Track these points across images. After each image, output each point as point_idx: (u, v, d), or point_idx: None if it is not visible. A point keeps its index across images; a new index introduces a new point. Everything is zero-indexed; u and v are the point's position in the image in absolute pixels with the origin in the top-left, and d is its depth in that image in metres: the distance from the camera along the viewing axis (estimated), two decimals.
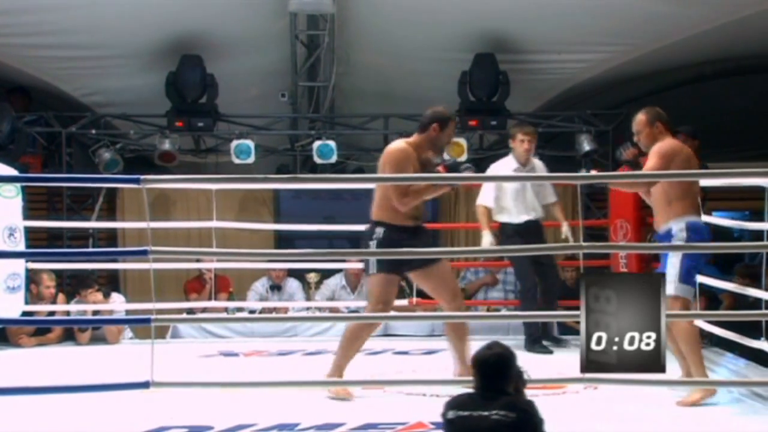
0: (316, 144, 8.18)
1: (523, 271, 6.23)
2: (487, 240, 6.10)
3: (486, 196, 6.34)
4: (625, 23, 7.45)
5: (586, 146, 8.13)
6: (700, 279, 5.59)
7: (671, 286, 4.60)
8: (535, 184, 6.30)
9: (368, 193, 8.33)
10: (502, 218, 6.35)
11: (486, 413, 3.35)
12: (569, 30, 7.66)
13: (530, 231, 6.25)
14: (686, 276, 4.72)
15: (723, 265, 7.12)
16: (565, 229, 6.33)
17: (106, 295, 6.83)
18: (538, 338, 6.27)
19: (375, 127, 8.60)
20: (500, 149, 8.57)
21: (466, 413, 3.38)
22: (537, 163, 6.44)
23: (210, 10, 7.40)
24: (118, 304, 6.87)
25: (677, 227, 4.74)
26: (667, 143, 4.82)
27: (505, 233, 6.33)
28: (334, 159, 8.21)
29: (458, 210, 9.05)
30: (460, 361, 5.06)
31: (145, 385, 4.11)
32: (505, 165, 6.35)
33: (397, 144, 5.07)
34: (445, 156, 5.57)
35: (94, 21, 7.34)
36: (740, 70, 8.72)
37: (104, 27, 7.43)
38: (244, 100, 8.55)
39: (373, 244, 4.94)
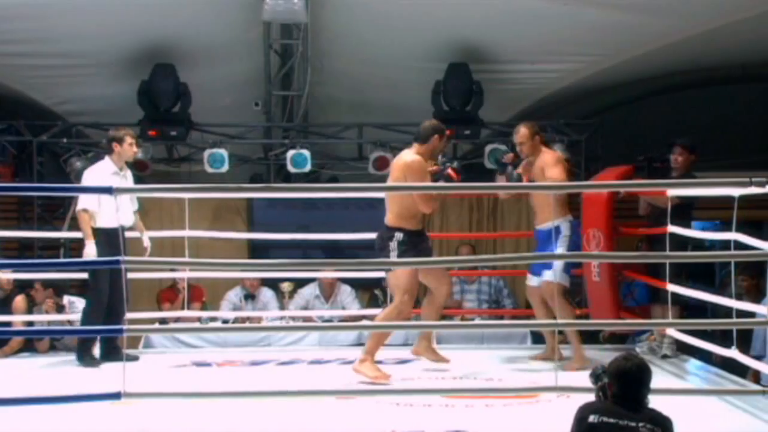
0: (290, 153, 8.17)
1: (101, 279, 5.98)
2: (91, 249, 5.86)
3: (90, 200, 6.00)
4: (597, 33, 7.52)
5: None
6: (673, 288, 5.65)
7: (557, 274, 5.65)
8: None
9: (343, 202, 8.32)
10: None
11: (633, 424, 3.49)
12: (542, 40, 7.71)
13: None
14: (567, 266, 5.81)
15: (697, 276, 7.20)
16: (145, 238, 6.25)
17: (61, 309, 6.75)
18: (90, 348, 6.07)
19: (349, 137, 8.60)
20: (474, 158, 8.62)
21: (612, 420, 3.51)
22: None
23: (183, 18, 7.39)
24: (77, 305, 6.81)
25: (565, 225, 5.70)
26: (555, 154, 5.83)
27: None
28: (308, 168, 8.20)
29: (432, 218, 9.06)
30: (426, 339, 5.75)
31: (116, 396, 4.08)
32: (102, 169, 6.10)
33: (412, 155, 5.56)
34: (439, 158, 5.75)
35: (66, 29, 7.30)
36: (709, 81, 8.83)
37: (76, 35, 7.39)
38: (218, 109, 8.52)
39: (393, 245, 5.45)
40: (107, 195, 5.67)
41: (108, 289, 6.00)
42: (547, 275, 5.76)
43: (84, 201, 6.02)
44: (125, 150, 6.19)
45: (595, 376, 3.78)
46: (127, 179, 6.26)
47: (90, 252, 5.91)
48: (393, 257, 5.44)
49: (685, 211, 5.97)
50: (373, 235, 6.84)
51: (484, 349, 6.59)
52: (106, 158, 6.22)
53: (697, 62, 8.44)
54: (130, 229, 6.26)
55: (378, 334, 5.54)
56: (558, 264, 5.69)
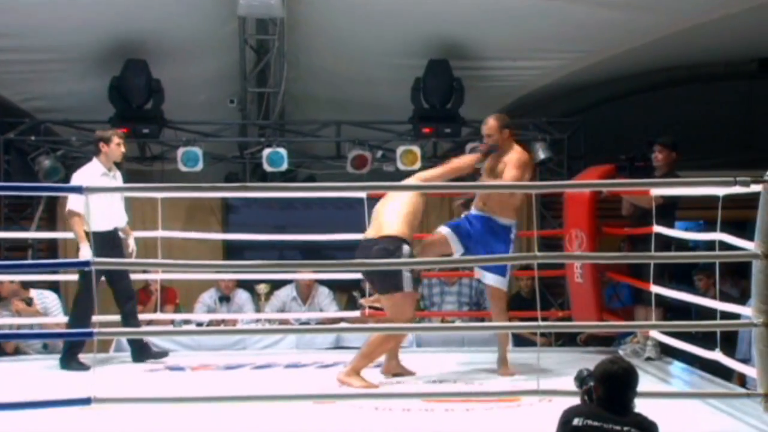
0: (266, 151, 8.15)
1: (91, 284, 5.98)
2: (87, 252, 5.84)
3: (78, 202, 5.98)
4: (580, 30, 7.55)
5: (541, 154, 8.21)
6: (657, 290, 5.69)
7: (502, 280, 5.69)
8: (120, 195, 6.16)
9: (320, 202, 8.32)
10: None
11: (618, 428, 3.51)
12: (524, 37, 7.73)
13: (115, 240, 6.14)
14: (508, 270, 5.80)
15: (680, 277, 7.26)
16: (130, 242, 6.26)
17: (29, 302, 6.73)
18: (77, 353, 6.10)
19: (327, 135, 8.60)
20: (454, 156, 8.60)
21: (596, 424, 3.53)
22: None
23: (156, 13, 7.35)
24: (51, 302, 6.76)
25: (515, 228, 5.78)
26: (523, 156, 5.73)
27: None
28: (284, 167, 8.19)
29: None
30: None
31: (86, 401, 4.05)
32: (90, 171, 6.10)
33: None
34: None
35: (35, 23, 7.24)
36: (693, 79, 8.89)
37: (45, 30, 7.33)
38: (192, 106, 8.49)
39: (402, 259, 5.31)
40: (96, 197, 5.73)
41: (93, 292, 5.98)
42: (491, 279, 5.70)
43: (71, 203, 6.01)
44: (113, 150, 6.18)
45: (580, 380, 3.80)
46: (116, 180, 6.25)
47: (86, 255, 5.87)
48: (405, 276, 5.31)
49: (669, 211, 6.01)
50: (351, 236, 6.87)
51: (465, 352, 6.60)
52: (94, 160, 6.20)
53: (681, 59, 8.50)
54: (122, 230, 6.27)
55: (369, 354, 5.46)
56: (506, 268, 5.70)
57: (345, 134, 8.47)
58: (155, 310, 7.14)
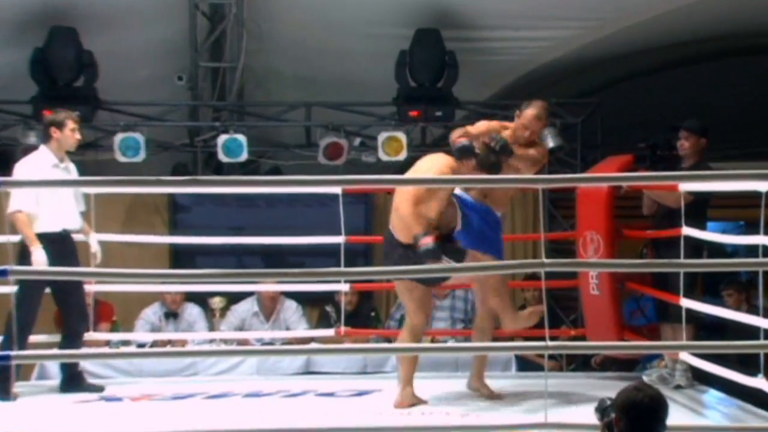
0: (222, 138, 8.10)
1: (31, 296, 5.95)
2: (41, 256, 5.84)
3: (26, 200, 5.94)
4: None
5: (551, 142, 8.17)
6: (687, 304, 5.67)
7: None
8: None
9: (287, 199, 8.27)
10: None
11: None
12: (528, 2, 7.72)
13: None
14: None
15: (715, 288, 7.26)
16: (92, 241, 6.28)
17: None
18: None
19: (294, 119, 8.55)
20: (447, 145, 8.58)
21: None
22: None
23: None
24: None
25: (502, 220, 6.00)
26: (540, 153, 5.92)
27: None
28: (244, 157, 8.14)
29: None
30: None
31: None
32: (38, 162, 6.07)
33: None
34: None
35: None
36: (732, 52, 8.89)
37: None
38: (131, 84, 8.43)
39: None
40: (43, 193, 5.72)
41: (37, 308, 5.99)
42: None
43: (18, 201, 5.93)
44: (66, 137, 6.13)
45: (602, 411, 3.77)
46: (70, 173, 6.20)
47: (40, 260, 5.84)
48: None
49: (699, 209, 6.00)
50: (324, 239, 6.83)
51: (460, 377, 6.57)
52: (42, 148, 6.15)
53: (718, 29, 8.49)
54: (76, 232, 6.22)
55: (405, 358, 5.69)
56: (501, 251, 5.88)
57: (316, 118, 8.42)
58: (87, 329, 7.05)
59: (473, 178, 5.76)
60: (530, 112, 5.87)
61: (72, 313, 6.15)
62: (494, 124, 6.01)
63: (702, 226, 5.92)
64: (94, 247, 6.29)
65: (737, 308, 6.87)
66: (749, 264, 5.51)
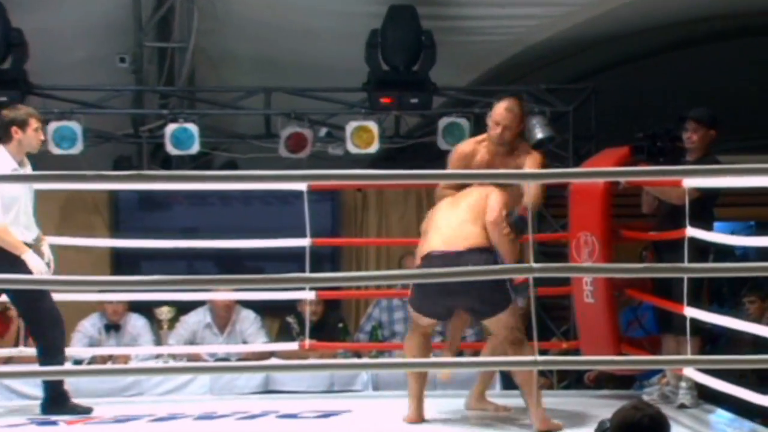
0: (170, 128, 8.08)
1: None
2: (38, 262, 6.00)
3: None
4: None
5: (539, 133, 8.22)
6: (692, 313, 5.71)
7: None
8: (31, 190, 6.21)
9: (243, 196, 8.25)
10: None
11: None
12: None
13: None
14: None
15: (723, 296, 7.31)
16: (45, 249, 6.29)
17: None
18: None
19: (252, 106, 8.55)
20: (424, 135, 8.62)
21: None
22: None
23: None
24: None
25: None
26: (538, 159, 6.04)
27: None
28: (195, 149, 8.13)
29: (366, 219, 9.06)
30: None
31: None
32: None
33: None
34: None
35: None
36: (743, 31, 8.93)
37: None
38: (67, 66, 8.39)
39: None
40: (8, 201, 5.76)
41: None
42: None
43: None
44: (29, 138, 6.12)
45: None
46: None
47: (37, 265, 5.94)
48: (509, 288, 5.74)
49: (706, 208, 6.05)
50: (287, 242, 6.84)
51: (438, 396, 6.60)
52: (1, 148, 6.11)
53: (727, 6, 8.55)
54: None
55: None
56: None
57: (277, 105, 8.42)
58: (16, 344, 7.05)
59: (467, 173, 5.84)
60: (500, 105, 5.97)
61: (40, 322, 6.13)
62: (460, 149, 6.17)
63: (709, 227, 5.97)
64: (47, 255, 6.24)
65: (760, 317, 6.93)
66: (761, 269, 5.54)
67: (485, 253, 5.77)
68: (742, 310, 6.92)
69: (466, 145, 6.24)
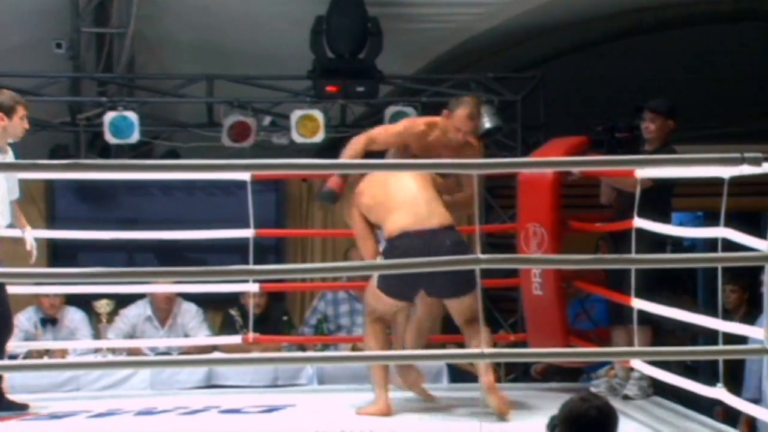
0: (109, 116, 8.07)
1: None
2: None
3: None
4: None
5: (487, 123, 8.27)
6: (640, 305, 5.80)
7: None
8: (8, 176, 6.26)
9: (186, 186, 8.20)
10: None
11: None
12: None
13: None
14: None
15: (674, 287, 7.38)
16: (27, 236, 6.39)
17: None
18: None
19: (194, 94, 8.55)
20: (370, 125, 8.63)
21: None
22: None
23: None
24: None
25: None
26: (477, 149, 6.23)
27: None
28: (135, 138, 8.12)
29: (311, 210, 9.07)
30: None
31: None
32: None
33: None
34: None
35: None
36: (693, 19, 9.00)
37: None
38: (1, 51, 8.31)
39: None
40: None
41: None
42: None
43: None
44: (14, 125, 6.10)
45: (551, 427, 3.86)
46: None
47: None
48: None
49: (661, 198, 6.14)
50: (229, 233, 6.85)
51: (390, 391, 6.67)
52: None
53: None
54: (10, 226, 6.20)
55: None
56: None
57: (220, 93, 8.43)
58: None
59: (402, 163, 5.88)
60: (462, 112, 6.10)
61: None
62: (415, 124, 6.18)
63: (665, 218, 6.06)
64: (30, 243, 6.25)
65: (738, 308, 7.03)
66: (706, 260, 5.66)
67: (454, 230, 5.99)
68: (723, 297, 6.92)
69: (417, 124, 6.30)
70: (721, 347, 5.11)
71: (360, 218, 6.15)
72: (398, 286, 5.90)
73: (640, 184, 5.93)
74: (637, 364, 6.03)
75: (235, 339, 7.01)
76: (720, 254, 5.10)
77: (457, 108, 6.11)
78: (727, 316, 5.96)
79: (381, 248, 6.10)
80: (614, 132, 6.61)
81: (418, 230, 5.90)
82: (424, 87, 8.59)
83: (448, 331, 6.91)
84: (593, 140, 6.60)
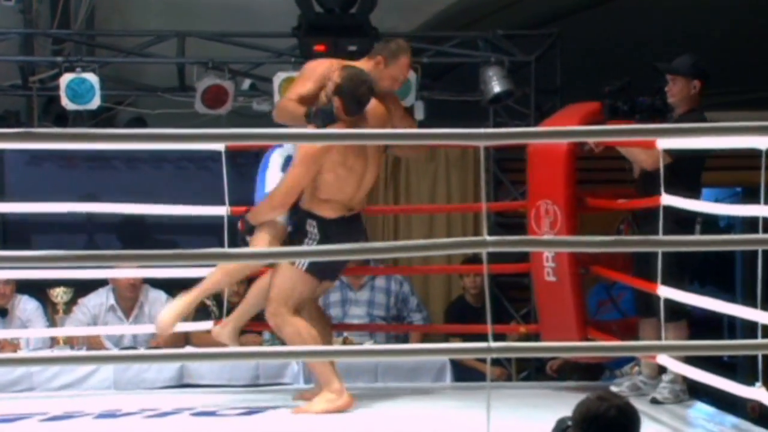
0: (66, 78, 8.04)
1: None
2: None
3: None
4: None
5: (497, 86, 8.26)
6: (669, 294, 5.77)
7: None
8: None
9: (153, 157, 8.23)
10: None
11: None
12: None
13: None
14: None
15: (708, 273, 7.37)
16: None
17: None
18: None
19: (164, 53, 8.53)
20: None
21: None
22: None
23: None
24: None
25: None
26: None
27: None
28: (95, 103, 8.10)
29: None
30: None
31: None
32: None
33: None
34: None
35: None
36: None
37: None
38: None
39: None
40: None
41: None
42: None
43: None
44: None
45: (561, 430, 3.86)
46: None
47: None
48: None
49: (690, 173, 6.10)
50: (202, 210, 6.83)
51: (380, 387, 6.66)
52: None
53: None
54: None
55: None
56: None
57: (192, 53, 8.41)
58: None
59: (393, 133, 5.85)
60: (405, 60, 6.19)
61: None
62: (331, 68, 6.16)
63: (694, 194, 6.00)
64: None
65: None
66: (746, 242, 5.61)
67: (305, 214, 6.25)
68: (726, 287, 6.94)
69: (332, 68, 6.24)
70: (760, 341, 5.10)
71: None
72: (337, 269, 6.20)
73: (656, 160, 5.89)
74: (668, 362, 5.97)
75: (207, 325, 6.93)
76: (760, 236, 5.06)
77: (399, 55, 6.16)
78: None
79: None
80: (627, 96, 6.48)
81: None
82: (424, 46, 8.54)
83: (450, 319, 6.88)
84: (608, 106, 6.48)
